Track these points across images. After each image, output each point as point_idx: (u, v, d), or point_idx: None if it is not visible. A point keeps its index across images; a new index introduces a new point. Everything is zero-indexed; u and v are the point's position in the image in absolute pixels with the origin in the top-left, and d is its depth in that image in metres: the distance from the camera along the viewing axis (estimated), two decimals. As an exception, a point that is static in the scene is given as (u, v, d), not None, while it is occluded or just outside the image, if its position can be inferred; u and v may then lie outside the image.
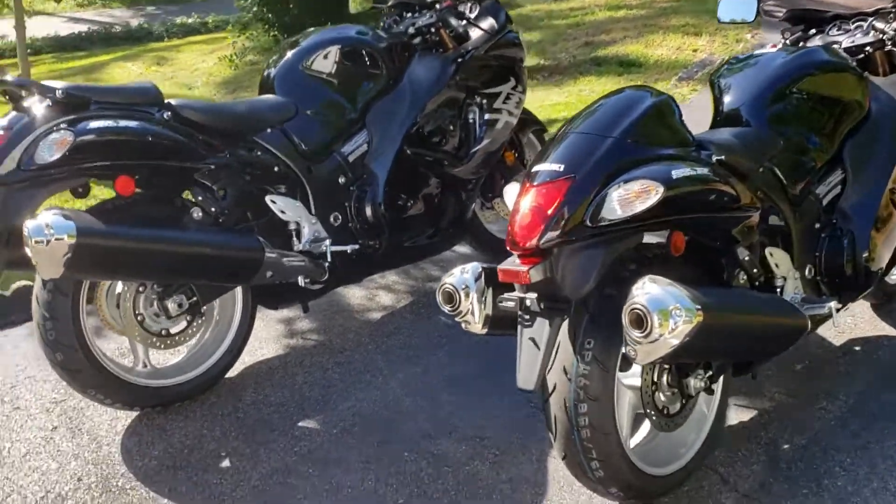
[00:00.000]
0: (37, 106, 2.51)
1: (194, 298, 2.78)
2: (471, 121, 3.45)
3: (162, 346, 2.84)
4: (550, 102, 7.58)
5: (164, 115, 2.68)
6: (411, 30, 3.43)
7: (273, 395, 2.97)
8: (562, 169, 2.06)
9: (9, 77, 2.52)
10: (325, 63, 3.15)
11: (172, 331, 2.83)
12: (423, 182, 3.35)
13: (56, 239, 2.29)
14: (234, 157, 2.83)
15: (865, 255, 2.68)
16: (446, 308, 2.16)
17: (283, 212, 2.95)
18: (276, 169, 2.96)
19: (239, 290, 2.96)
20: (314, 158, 3.08)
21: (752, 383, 2.78)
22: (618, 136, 2.10)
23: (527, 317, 2.09)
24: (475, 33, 3.47)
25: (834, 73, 2.75)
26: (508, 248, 2.05)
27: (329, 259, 2.99)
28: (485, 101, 3.47)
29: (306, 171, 3.04)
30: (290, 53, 3.19)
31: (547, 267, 2.02)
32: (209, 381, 2.95)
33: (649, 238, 2.14)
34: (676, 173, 2.04)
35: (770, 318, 2.25)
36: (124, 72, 10.04)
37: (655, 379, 2.21)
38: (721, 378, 2.34)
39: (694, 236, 2.21)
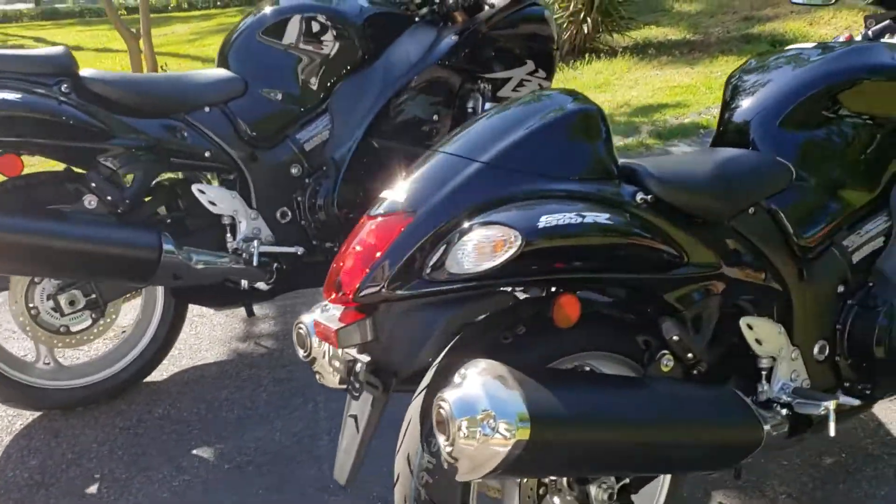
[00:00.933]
0: None
1: (93, 295, 2.47)
2: (468, 109, 2.89)
3: (62, 345, 2.56)
4: (670, 84, 6.76)
5: (63, 88, 2.35)
6: None
7: (187, 411, 2.62)
8: (403, 200, 1.54)
9: None
10: (286, 33, 2.69)
11: (73, 328, 2.53)
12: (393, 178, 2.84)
13: None
14: (148, 138, 2.47)
15: None
16: (300, 353, 1.69)
17: (212, 203, 2.57)
18: (206, 154, 2.57)
19: (160, 287, 2.63)
20: (261, 144, 2.66)
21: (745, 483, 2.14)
22: (487, 162, 1.54)
23: (356, 385, 1.60)
24: (489, 4, 2.91)
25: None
26: (324, 297, 1.55)
27: (264, 260, 2.58)
28: (488, 87, 2.90)
29: (249, 158, 2.63)
30: (248, 20, 2.76)
31: (370, 327, 1.51)
32: (119, 386, 2.64)
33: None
34: (548, 219, 1.45)
35: (682, 429, 1.57)
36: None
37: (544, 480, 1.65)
38: (645, 488, 1.74)
39: (597, 301, 1.62)
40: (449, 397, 1.34)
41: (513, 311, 1.57)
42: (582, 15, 7.85)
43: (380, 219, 1.52)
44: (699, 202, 1.71)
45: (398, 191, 1.56)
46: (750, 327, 1.80)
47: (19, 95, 2.26)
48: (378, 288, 1.46)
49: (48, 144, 2.35)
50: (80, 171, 2.46)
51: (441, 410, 1.33)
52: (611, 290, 1.67)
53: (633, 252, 1.56)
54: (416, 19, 2.91)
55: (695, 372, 1.71)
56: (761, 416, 1.70)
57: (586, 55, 7.78)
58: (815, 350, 1.92)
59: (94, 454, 2.44)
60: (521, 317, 1.57)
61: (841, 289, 1.94)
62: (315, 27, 2.71)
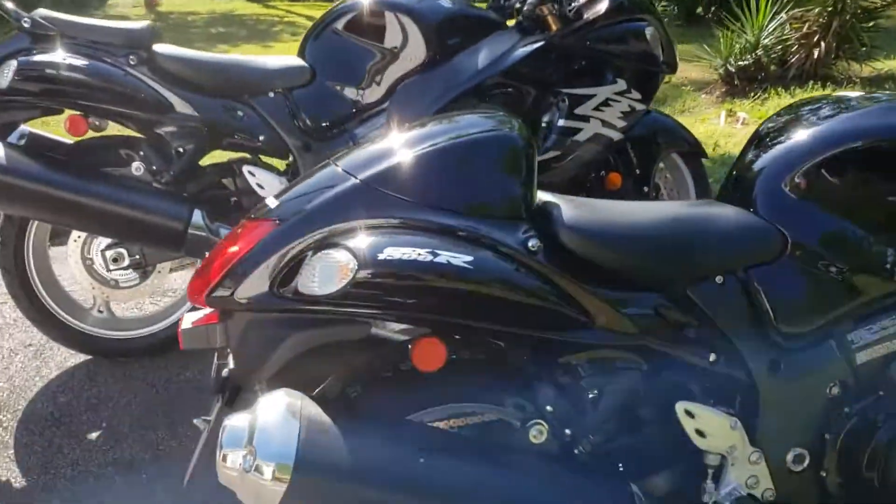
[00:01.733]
0: (13, 33, 2.51)
1: (137, 256, 2.63)
2: (542, 123, 2.71)
3: (112, 298, 2.76)
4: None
5: (131, 59, 2.51)
6: (517, 4, 2.78)
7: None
8: (276, 207, 1.47)
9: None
10: (362, 27, 2.68)
11: (122, 284, 2.71)
12: None
13: None
14: (205, 116, 2.56)
15: None
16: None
17: (260, 186, 2.63)
18: (261, 138, 2.63)
19: (206, 259, 2.73)
20: (317, 135, 2.68)
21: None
22: (365, 180, 1.43)
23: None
24: (589, 14, 2.71)
25: None
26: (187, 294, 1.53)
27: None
28: (566, 102, 2.71)
29: (303, 147, 2.66)
30: (331, 11, 2.78)
31: (221, 333, 1.47)
32: (158, 345, 2.80)
33: None
34: (391, 251, 1.31)
35: None
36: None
37: None
38: None
39: (468, 350, 1.45)
40: (227, 423, 1.27)
41: (376, 348, 1.46)
42: (816, 38, 7.13)
43: (251, 222, 1.47)
44: (625, 262, 1.47)
45: (274, 198, 1.50)
46: (690, 415, 1.54)
47: (87, 62, 2.44)
48: (228, 293, 1.41)
49: (111, 110, 2.51)
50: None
51: (219, 436, 1.27)
52: (491, 342, 1.49)
53: (504, 303, 1.38)
54: (508, 25, 2.78)
55: (577, 451, 1.48)
56: None
57: (811, 82, 7.06)
58: (789, 458, 1.60)
59: (113, 404, 2.60)
60: (384, 355, 1.46)
61: (835, 391, 1.60)
62: (390, 24, 2.67)
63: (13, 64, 2.41)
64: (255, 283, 1.38)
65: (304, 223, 1.40)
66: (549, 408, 1.45)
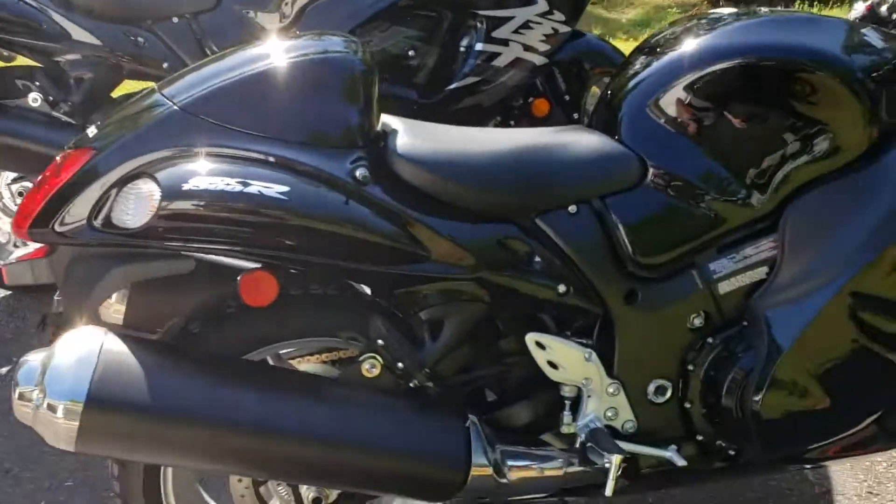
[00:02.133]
0: None
1: None
2: (460, 48, 2.62)
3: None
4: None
5: None
6: None
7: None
8: (92, 136, 1.41)
9: None
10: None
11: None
12: None
13: None
14: (105, 43, 2.48)
15: (781, 394, 1.52)
16: None
17: None
18: (164, 65, 2.55)
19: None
20: (224, 61, 2.59)
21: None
22: (183, 107, 1.36)
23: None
24: None
25: (806, 73, 1.48)
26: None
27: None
28: (483, 25, 2.60)
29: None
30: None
31: (45, 268, 1.43)
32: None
33: None
34: (197, 181, 1.26)
35: (330, 445, 1.31)
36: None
37: None
38: None
39: (300, 285, 1.40)
40: (22, 360, 1.23)
41: (207, 284, 1.41)
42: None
43: (71, 151, 1.41)
44: (464, 191, 1.41)
45: (100, 124, 1.44)
46: (541, 346, 1.50)
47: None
48: (47, 226, 1.36)
49: (12, 41, 2.44)
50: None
51: (15, 371, 1.24)
52: (324, 275, 1.44)
53: (325, 236, 1.32)
54: None
55: (412, 384, 1.44)
56: (495, 456, 1.41)
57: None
58: (651, 389, 1.56)
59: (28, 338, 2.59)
60: (216, 290, 1.41)
61: (697, 322, 1.55)
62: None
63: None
64: (74, 216, 1.34)
65: (120, 152, 1.34)
66: (380, 342, 1.41)
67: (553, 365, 1.51)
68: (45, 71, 2.49)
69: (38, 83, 2.48)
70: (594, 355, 1.52)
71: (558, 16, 2.65)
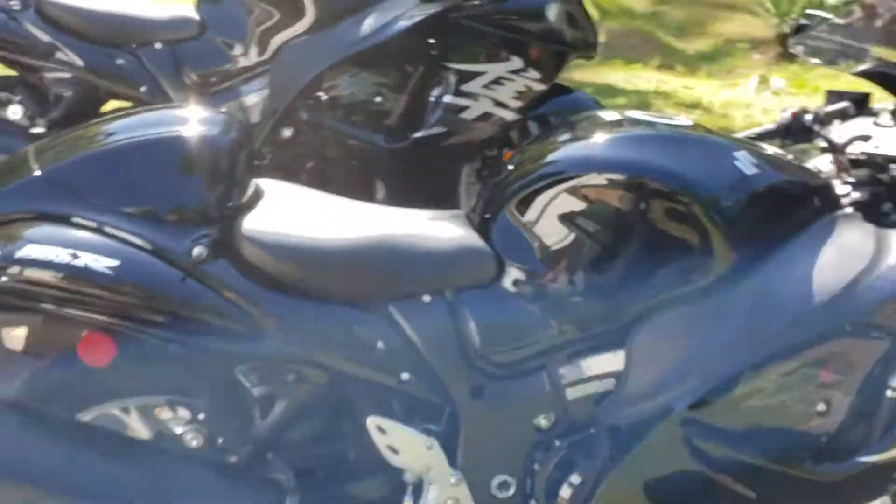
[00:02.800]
0: None
1: None
2: (430, 98, 2.63)
3: None
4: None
5: (13, 5, 2.55)
6: None
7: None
8: None
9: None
10: (251, -16, 2.65)
11: None
12: (332, 152, 2.66)
13: None
14: (86, 64, 2.60)
15: None
16: None
17: None
18: (142, 90, 2.65)
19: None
20: (202, 90, 2.68)
21: None
22: (44, 171, 1.43)
23: None
24: None
25: (666, 194, 1.45)
26: None
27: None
28: (455, 77, 2.61)
29: (183, 101, 2.66)
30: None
31: None
32: None
33: None
34: (33, 249, 1.34)
35: None
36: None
37: None
38: None
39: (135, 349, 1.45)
40: None
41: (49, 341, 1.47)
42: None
43: None
44: (308, 275, 1.45)
45: None
46: (381, 430, 1.52)
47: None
48: None
49: (-1, 55, 2.59)
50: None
51: None
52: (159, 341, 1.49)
53: (153, 310, 1.37)
54: None
55: (233, 460, 1.47)
56: None
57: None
58: (494, 483, 1.57)
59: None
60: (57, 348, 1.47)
61: (544, 423, 1.55)
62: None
63: None
64: None
65: None
66: (202, 415, 1.45)
67: (393, 450, 1.52)
68: (27, 85, 2.63)
69: (18, 96, 2.62)
70: (436, 444, 1.53)
71: (533, 73, 2.64)
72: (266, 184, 1.60)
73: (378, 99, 2.61)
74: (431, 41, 2.58)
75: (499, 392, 1.53)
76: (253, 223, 1.44)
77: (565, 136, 1.61)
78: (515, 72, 2.62)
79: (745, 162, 1.51)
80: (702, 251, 1.46)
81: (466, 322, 1.50)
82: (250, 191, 1.53)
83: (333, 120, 2.60)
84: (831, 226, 1.53)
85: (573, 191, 1.50)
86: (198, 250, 1.39)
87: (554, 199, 1.50)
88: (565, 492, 1.55)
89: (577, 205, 1.50)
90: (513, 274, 1.51)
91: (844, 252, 1.49)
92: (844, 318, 1.44)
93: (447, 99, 2.61)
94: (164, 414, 1.47)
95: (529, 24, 2.60)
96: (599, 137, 1.56)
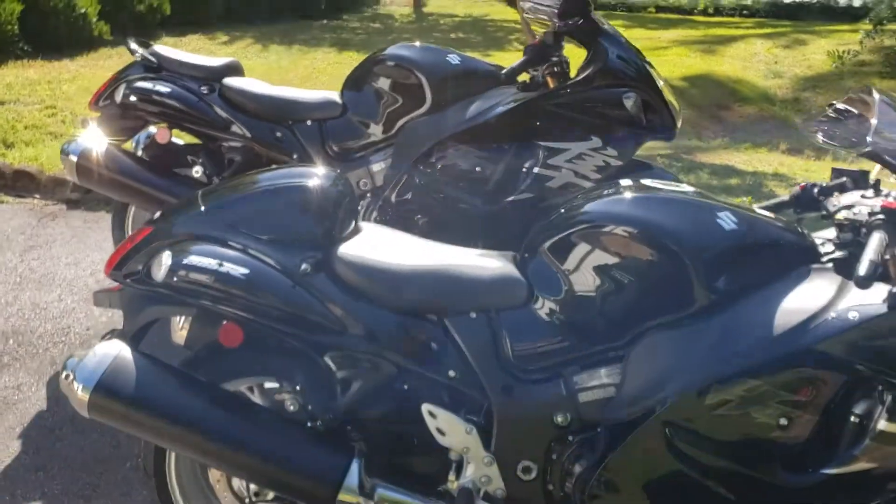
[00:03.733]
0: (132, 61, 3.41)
1: None
2: (523, 168, 3.12)
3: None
4: None
5: (203, 89, 3.30)
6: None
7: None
8: (157, 217, 2.12)
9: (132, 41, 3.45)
10: (384, 74, 3.27)
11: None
12: (439, 211, 3.19)
13: None
14: (252, 135, 3.29)
15: (605, 495, 1.90)
16: None
17: None
18: (294, 156, 3.30)
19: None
20: (341, 159, 3.31)
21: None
22: (207, 208, 2.03)
23: None
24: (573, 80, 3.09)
25: (656, 244, 1.88)
26: None
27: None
28: (543, 152, 3.10)
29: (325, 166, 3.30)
30: (370, 56, 3.38)
31: (116, 299, 2.15)
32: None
33: None
34: (192, 259, 1.93)
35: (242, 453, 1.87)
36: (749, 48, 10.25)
37: None
38: None
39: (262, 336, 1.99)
40: (74, 353, 1.94)
41: (203, 325, 2.06)
42: None
43: (145, 226, 2.13)
44: (384, 293, 1.95)
45: (165, 209, 2.15)
46: (432, 415, 1.98)
47: (171, 89, 3.28)
48: (117, 272, 2.08)
49: (186, 126, 3.33)
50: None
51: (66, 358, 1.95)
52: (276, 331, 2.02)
53: (269, 306, 1.92)
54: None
55: (318, 423, 1.98)
56: (369, 487, 1.91)
57: None
58: (519, 468, 1.99)
59: None
60: (207, 330, 2.05)
61: (561, 420, 1.95)
62: (407, 76, 3.23)
63: (123, 85, 3.29)
64: (132, 267, 2.05)
65: (169, 229, 2.04)
66: (298, 388, 1.98)
67: (440, 431, 1.98)
68: (207, 150, 3.35)
69: (201, 159, 3.35)
70: (475, 430, 1.97)
71: (611, 151, 3.08)
72: (367, 226, 2.15)
73: (478, 169, 3.13)
74: (524, 122, 3.09)
75: (525, 392, 1.96)
76: (348, 250, 1.98)
77: (592, 197, 2.05)
78: (595, 150, 3.08)
79: (726, 220, 1.88)
80: (686, 288, 1.85)
81: (502, 335, 1.96)
82: (351, 228, 2.08)
83: (442, 185, 3.15)
84: (805, 274, 1.86)
85: (593, 238, 1.93)
86: (304, 266, 1.94)
87: (577, 244, 1.95)
88: (572, 480, 1.95)
89: (595, 249, 1.93)
90: (540, 300, 1.96)
91: (810, 294, 1.82)
92: (799, 347, 1.75)
93: (536, 170, 3.09)
94: (273, 385, 2.02)
95: (607, 110, 3.05)
96: (617, 197, 1.99)
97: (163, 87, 3.29)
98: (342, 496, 1.89)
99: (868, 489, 1.82)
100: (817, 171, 5.89)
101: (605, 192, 2.04)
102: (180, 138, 3.58)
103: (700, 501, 1.87)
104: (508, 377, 1.96)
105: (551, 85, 3.12)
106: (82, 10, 8.92)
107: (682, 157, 6.07)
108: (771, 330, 1.78)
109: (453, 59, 3.26)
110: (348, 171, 3.30)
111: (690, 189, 2.06)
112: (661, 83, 3.17)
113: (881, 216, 1.77)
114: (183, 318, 2.06)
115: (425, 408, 1.98)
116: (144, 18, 10.08)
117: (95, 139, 3.22)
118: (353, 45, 10.39)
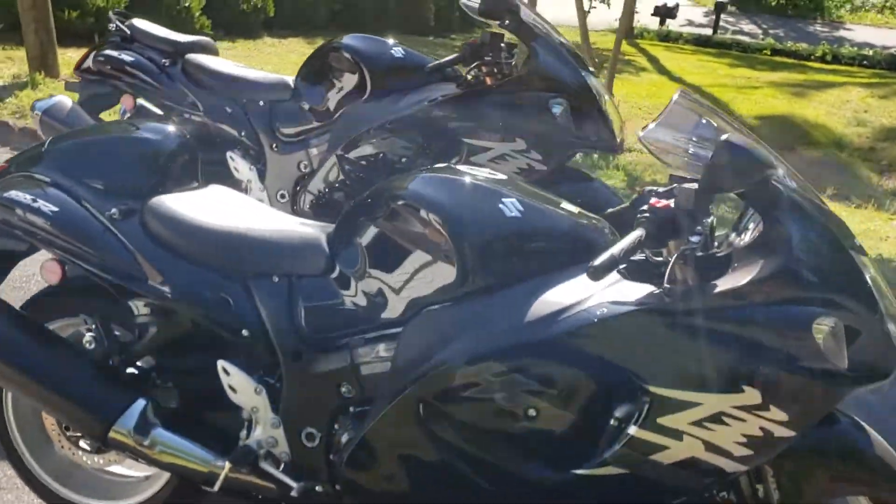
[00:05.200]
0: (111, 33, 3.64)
1: None
2: (446, 163, 3.14)
3: None
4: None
5: (164, 62, 3.48)
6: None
7: None
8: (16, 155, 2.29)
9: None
10: (333, 62, 3.37)
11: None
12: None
13: None
14: (207, 112, 3.45)
15: (358, 466, 1.92)
16: None
17: (237, 169, 3.44)
18: (242, 133, 3.44)
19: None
20: (281, 138, 3.42)
21: None
22: (50, 149, 2.17)
23: None
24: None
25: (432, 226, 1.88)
26: None
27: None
28: (465, 149, 3.12)
29: (271, 146, 3.42)
30: (325, 43, 3.49)
31: None
32: None
33: None
34: (13, 195, 2.07)
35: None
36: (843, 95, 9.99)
37: None
38: None
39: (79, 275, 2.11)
40: None
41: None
42: None
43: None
44: (188, 248, 2.03)
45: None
46: (226, 372, 2.05)
47: (133, 59, 3.48)
48: None
49: (147, 96, 3.52)
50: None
51: None
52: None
53: (77, 246, 2.03)
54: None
55: (115, 362, 2.07)
56: (147, 429, 2.00)
57: None
58: (303, 434, 2.02)
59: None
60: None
61: (345, 391, 1.98)
62: (349, 64, 3.32)
63: (94, 53, 3.52)
64: None
65: (14, 167, 2.20)
66: (104, 328, 2.08)
67: (232, 388, 2.04)
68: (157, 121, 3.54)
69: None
70: (264, 391, 2.02)
71: (535, 155, 3.07)
72: (213, 187, 2.24)
73: (403, 160, 3.18)
74: (451, 118, 3.12)
75: (313, 360, 1.99)
76: (164, 202, 2.07)
77: (400, 176, 2.07)
78: (518, 152, 3.07)
79: (509, 208, 1.86)
80: (457, 269, 1.83)
81: (298, 301, 2.00)
82: (181, 184, 2.17)
83: (366, 171, 3.21)
84: (578, 271, 1.79)
85: (382, 215, 1.95)
86: (115, 211, 2.04)
87: (372, 220, 1.97)
88: (346, 451, 1.96)
89: (383, 226, 1.95)
90: (338, 271, 1.98)
91: (575, 288, 1.77)
92: (545, 337, 1.72)
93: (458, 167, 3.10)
94: (82, 324, 2.13)
95: (534, 114, 3.04)
96: (414, 177, 2.00)
97: (127, 57, 3.50)
98: (114, 432, 1.98)
99: (617, 494, 1.77)
100: (850, 216, 5.61)
101: (414, 173, 2.05)
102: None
103: (451, 484, 1.85)
104: (300, 343, 2.00)
105: (488, 83, 3.14)
106: (186, 4, 9.24)
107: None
108: (524, 318, 1.75)
109: (397, 51, 3.33)
110: (291, 153, 3.41)
111: (501, 176, 2.04)
112: (604, 96, 3.13)
113: (647, 214, 1.71)
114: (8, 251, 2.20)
115: (220, 364, 2.04)
116: (248, 17, 10.32)
117: (64, 101, 3.44)
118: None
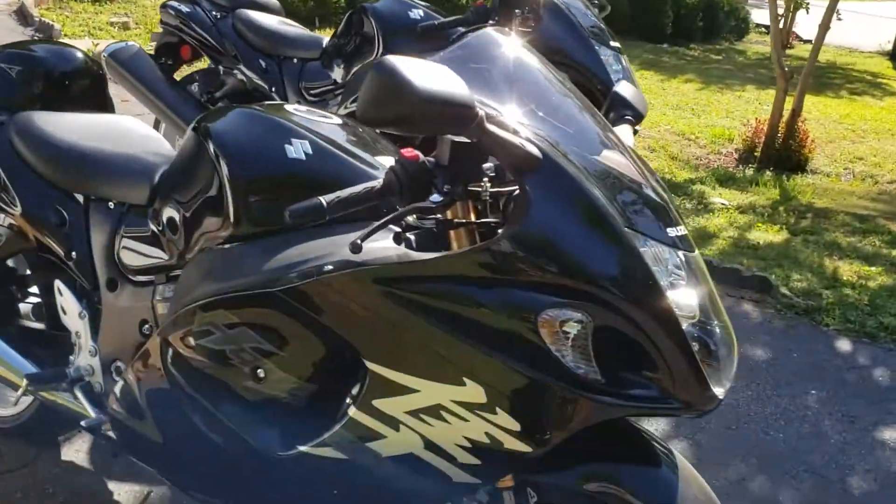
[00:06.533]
0: None
1: None
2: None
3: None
4: None
5: (217, 15, 3.59)
6: None
7: None
8: None
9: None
10: (356, 22, 3.30)
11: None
12: None
13: None
14: (245, 65, 3.51)
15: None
16: None
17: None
18: (272, 90, 3.46)
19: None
20: (307, 98, 3.40)
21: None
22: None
23: None
24: None
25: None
26: None
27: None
28: None
29: (294, 102, 3.41)
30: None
31: None
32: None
33: None
34: None
35: None
36: None
37: None
38: None
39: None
40: None
41: None
42: None
43: None
44: (37, 163, 2.06)
45: None
46: (60, 292, 2.05)
47: (189, 10, 3.61)
48: None
49: (203, 48, 3.65)
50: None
51: None
52: None
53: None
54: None
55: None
56: None
57: None
58: (112, 367, 1.99)
59: None
60: None
61: (146, 329, 1.91)
62: (367, 25, 3.23)
63: (164, 9, 3.72)
64: None
65: None
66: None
67: (63, 310, 2.04)
68: (208, 71, 3.64)
69: (199, 78, 3.64)
70: (87, 317, 2.01)
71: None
72: (117, 116, 2.25)
73: None
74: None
75: (125, 293, 1.94)
76: (31, 119, 2.10)
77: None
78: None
79: (295, 150, 1.65)
80: (232, 208, 1.64)
81: (118, 230, 1.95)
82: (75, 110, 2.19)
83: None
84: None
85: (189, 147, 1.83)
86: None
87: (188, 154, 1.83)
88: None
89: (182, 158, 1.84)
90: (158, 204, 1.89)
91: (324, 244, 1.54)
92: (265, 287, 1.53)
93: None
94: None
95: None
96: (222, 113, 1.85)
97: (185, 8, 3.64)
98: None
99: (342, 483, 1.55)
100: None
101: (232, 106, 1.91)
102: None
103: (190, 442, 1.71)
104: (116, 273, 1.96)
105: None
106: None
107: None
108: (262, 267, 1.57)
109: (415, 13, 3.17)
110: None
111: (337, 119, 1.83)
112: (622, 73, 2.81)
113: (395, 165, 1.43)
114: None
115: (57, 283, 2.05)
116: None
117: (131, 46, 3.66)
118: (665, 69, 9.82)
